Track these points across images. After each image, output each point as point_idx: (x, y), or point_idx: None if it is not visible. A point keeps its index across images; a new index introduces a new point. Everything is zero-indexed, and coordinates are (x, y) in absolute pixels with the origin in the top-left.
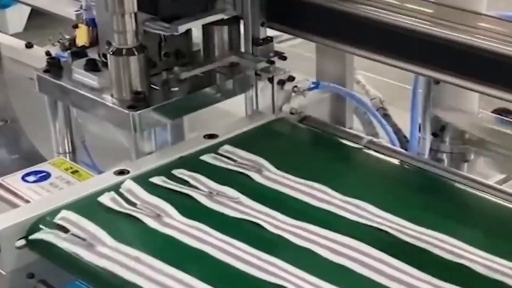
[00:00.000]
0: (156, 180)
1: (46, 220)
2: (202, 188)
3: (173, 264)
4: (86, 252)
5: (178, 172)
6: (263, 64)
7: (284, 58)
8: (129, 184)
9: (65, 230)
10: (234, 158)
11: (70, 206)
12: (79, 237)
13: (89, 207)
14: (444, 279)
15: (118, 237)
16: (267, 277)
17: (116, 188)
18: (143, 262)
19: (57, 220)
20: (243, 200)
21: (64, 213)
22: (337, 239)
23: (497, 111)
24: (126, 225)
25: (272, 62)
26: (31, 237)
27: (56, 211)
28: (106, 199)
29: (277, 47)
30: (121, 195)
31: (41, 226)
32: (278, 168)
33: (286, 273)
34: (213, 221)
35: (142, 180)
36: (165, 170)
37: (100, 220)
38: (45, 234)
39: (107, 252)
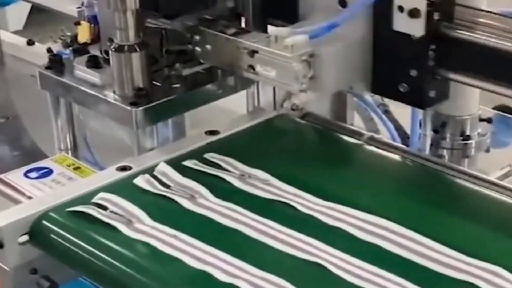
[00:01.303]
0: (188, 163)
1: (49, 216)
2: (233, 171)
3: (208, 242)
4: (125, 228)
5: (210, 156)
6: None
7: None
8: (163, 167)
9: (104, 208)
10: None
11: (106, 188)
12: (118, 214)
13: (125, 189)
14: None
15: (155, 217)
16: (299, 253)
17: (150, 171)
18: (181, 239)
19: (96, 200)
20: (274, 182)
21: (102, 194)
22: (366, 218)
23: (498, 108)
24: (162, 206)
25: None
26: (70, 209)
27: (58, 208)
28: (141, 181)
29: None
30: (155, 177)
31: (44, 222)
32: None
33: (317, 250)
34: (245, 202)
35: (175, 163)
36: (196, 154)
37: (137, 200)
38: (85, 208)
39: (146, 229)
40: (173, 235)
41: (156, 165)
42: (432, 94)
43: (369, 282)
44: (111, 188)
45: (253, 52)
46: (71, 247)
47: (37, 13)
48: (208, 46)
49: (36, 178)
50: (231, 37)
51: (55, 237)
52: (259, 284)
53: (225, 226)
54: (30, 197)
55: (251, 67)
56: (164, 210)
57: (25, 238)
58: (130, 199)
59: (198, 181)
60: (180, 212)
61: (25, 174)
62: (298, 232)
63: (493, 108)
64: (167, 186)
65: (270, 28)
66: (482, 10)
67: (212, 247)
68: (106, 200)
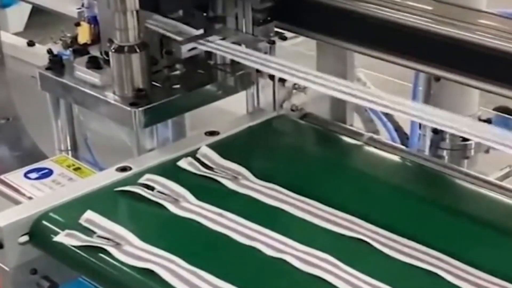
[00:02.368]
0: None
1: (49, 216)
2: None
3: (253, 220)
4: (172, 207)
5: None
6: (263, 44)
7: (285, 38)
8: (205, 150)
9: (151, 188)
10: None
11: (151, 170)
12: (164, 194)
13: (169, 170)
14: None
15: (200, 197)
16: (341, 230)
17: (193, 154)
18: (227, 217)
19: (142, 180)
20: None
21: (148, 175)
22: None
23: (498, 110)
24: (206, 186)
25: (273, 42)
26: (118, 188)
27: (58, 208)
28: (184, 164)
29: (279, 45)
30: (197, 160)
31: (44, 222)
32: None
33: (359, 227)
34: (287, 182)
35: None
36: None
37: (182, 181)
38: (134, 188)
39: (193, 208)
40: (219, 213)
41: (156, 166)
42: None
43: (411, 258)
44: (155, 170)
45: None
46: (71, 247)
47: (37, 14)
48: None
49: (36, 178)
50: None
51: (55, 237)
52: (305, 258)
53: (269, 205)
54: (30, 198)
55: None
56: (208, 190)
57: (25, 238)
58: (175, 180)
59: (239, 164)
60: (224, 192)
61: (25, 175)
62: (339, 211)
63: (493, 109)
64: (210, 168)
65: None
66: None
67: (257, 225)
68: (152, 181)
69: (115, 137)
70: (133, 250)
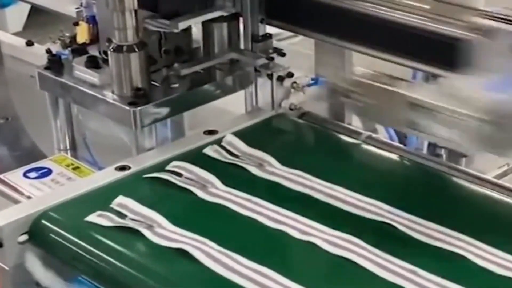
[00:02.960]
0: None
1: (48, 215)
2: None
3: (280, 204)
4: (201, 192)
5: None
6: (262, 61)
7: (283, 55)
8: (230, 138)
9: (179, 174)
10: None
11: (177, 157)
12: (192, 180)
13: (196, 157)
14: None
15: (227, 182)
16: (365, 214)
17: (218, 142)
18: (255, 202)
19: (170, 167)
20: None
21: (175, 162)
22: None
23: None
24: (232, 173)
25: (271, 59)
26: (147, 175)
27: (58, 207)
28: (210, 151)
29: (277, 45)
30: (223, 147)
31: (43, 221)
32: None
33: (383, 211)
34: (312, 169)
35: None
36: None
37: (208, 168)
38: (161, 174)
39: (221, 193)
40: (247, 198)
41: (155, 165)
42: None
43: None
44: (182, 157)
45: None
46: (70, 246)
47: (36, 14)
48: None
49: (36, 178)
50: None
51: (54, 236)
52: (333, 240)
53: (295, 191)
54: (29, 197)
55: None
56: (235, 177)
57: (25, 237)
58: (202, 166)
59: (265, 151)
60: (250, 179)
61: (25, 174)
62: (364, 196)
63: None
64: (235, 156)
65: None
66: None
67: (284, 209)
68: (179, 167)
69: (114, 137)
70: (165, 232)
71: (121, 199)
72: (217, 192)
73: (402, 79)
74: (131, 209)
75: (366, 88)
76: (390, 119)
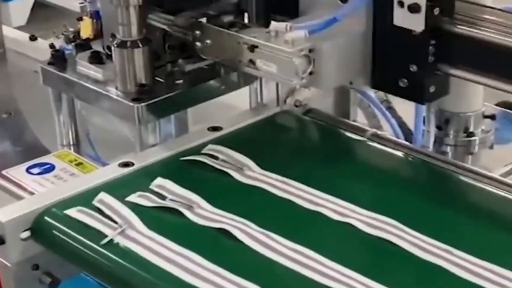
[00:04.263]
0: None
1: (51, 211)
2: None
3: (316, 187)
4: (237, 175)
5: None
6: None
7: None
8: (159, 181)
9: (215, 157)
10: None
11: (155, 165)
12: (228, 163)
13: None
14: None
15: (262, 165)
16: None
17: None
18: (290, 184)
19: (206, 151)
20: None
21: (211, 146)
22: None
23: (500, 105)
24: (266, 156)
25: None
26: (184, 158)
27: (61, 204)
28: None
29: None
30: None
31: (46, 218)
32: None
33: None
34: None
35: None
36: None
37: (243, 151)
38: (198, 157)
39: (257, 176)
40: (282, 181)
41: (159, 161)
42: (432, 89)
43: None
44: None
45: (253, 47)
46: (73, 243)
47: (40, 8)
48: (209, 41)
49: (38, 174)
50: (231, 32)
51: (57, 233)
52: (370, 222)
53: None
54: (32, 193)
55: (252, 62)
56: (271, 160)
57: (27, 234)
58: (238, 150)
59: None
60: (285, 162)
61: (27, 170)
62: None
63: (496, 105)
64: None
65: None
66: (484, 6)
67: (320, 192)
68: (216, 150)
69: (118, 132)
70: (204, 213)
71: (160, 180)
72: (253, 174)
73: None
74: (170, 190)
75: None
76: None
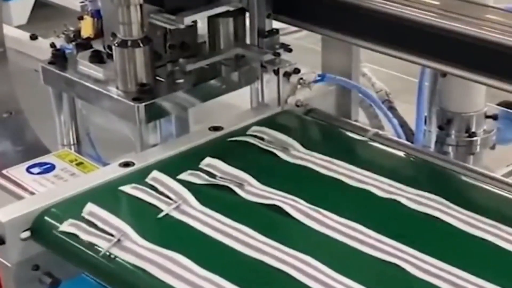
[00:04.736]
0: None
1: (51, 212)
2: None
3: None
4: (283, 154)
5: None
6: (268, 56)
7: (290, 50)
8: (209, 161)
9: (261, 139)
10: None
11: (155, 165)
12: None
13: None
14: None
15: (307, 145)
16: None
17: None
18: (335, 164)
19: (251, 132)
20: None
21: (256, 127)
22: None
23: (501, 105)
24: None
25: (278, 54)
26: (231, 139)
27: (61, 203)
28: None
29: (283, 39)
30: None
31: (46, 218)
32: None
33: None
34: None
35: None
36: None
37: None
38: (246, 138)
39: (304, 156)
40: (328, 160)
41: (160, 161)
42: None
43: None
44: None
45: None
46: (73, 243)
47: (41, 7)
48: None
49: (39, 173)
50: None
51: (57, 233)
52: (417, 199)
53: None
54: (32, 193)
55: None
56: (315, 140)
57: (27, 234)
58: (281, 131)
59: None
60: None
61: (28, 170)
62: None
63: (497, 105)
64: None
65: None
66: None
67: (364, 170)
68: (261, 132)
69: (118, 132)
70: (255, 190)
71: (209, 160)
72: (299, 154)
73: None
74: (220, 169)
75: None
76: None
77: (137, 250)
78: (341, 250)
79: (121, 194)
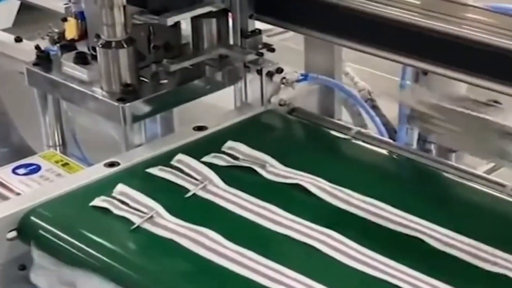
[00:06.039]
0: None
1: (37, 211)
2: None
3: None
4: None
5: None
6: (251, 56)
7: (273, 50)
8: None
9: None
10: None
11: (140, 165)
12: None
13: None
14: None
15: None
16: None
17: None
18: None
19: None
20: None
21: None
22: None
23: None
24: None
25: (261, 54)
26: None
27: (47, 203)
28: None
29: (267, 40)
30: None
31: (32, 218)
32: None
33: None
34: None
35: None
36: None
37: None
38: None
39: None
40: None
41: (145, 161)
42: None
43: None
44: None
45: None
46: (60, 242)
47: (27, 10)
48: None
49: (24, 174)
50: None
51: (43, 233)
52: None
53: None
54: (18, 193)
55: None
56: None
57: (13, 234)
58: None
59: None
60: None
61: (13, 171)
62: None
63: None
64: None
65: None
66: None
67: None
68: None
69: (104, 133)
70: (277, 171)
71: (231, 143)
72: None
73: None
74: (242, 152)
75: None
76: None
77: (168, 226)
78: (362, 225)
79: (149, 175)
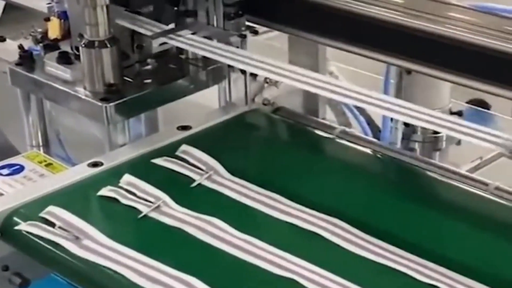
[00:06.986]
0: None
1: (20, 212)
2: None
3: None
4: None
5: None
6: (235, 38)
7: (256, 33)
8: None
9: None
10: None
11: (124, 165)
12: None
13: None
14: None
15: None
16: None
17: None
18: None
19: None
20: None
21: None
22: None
23: (472, 102)
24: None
25: (244, 36)
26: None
27: (30, 204)
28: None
29: (251, 39)
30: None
31: (15, 218)
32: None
33: None
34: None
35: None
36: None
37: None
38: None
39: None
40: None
41: (128, 161)
42: None
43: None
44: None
45: None
46: (42, 243)
47: (12, 10)
48: None
49: (8, 175)
50: None
51: (26, 233)
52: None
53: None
54: (1, 194)
55: None
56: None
57: None
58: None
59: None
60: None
61: None
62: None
63: (468, 102)
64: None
65: None
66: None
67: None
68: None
69: (87, 133)
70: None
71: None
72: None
73: None
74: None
75: None
76: None
77: (175, 214)
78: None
79: (154, 165)
